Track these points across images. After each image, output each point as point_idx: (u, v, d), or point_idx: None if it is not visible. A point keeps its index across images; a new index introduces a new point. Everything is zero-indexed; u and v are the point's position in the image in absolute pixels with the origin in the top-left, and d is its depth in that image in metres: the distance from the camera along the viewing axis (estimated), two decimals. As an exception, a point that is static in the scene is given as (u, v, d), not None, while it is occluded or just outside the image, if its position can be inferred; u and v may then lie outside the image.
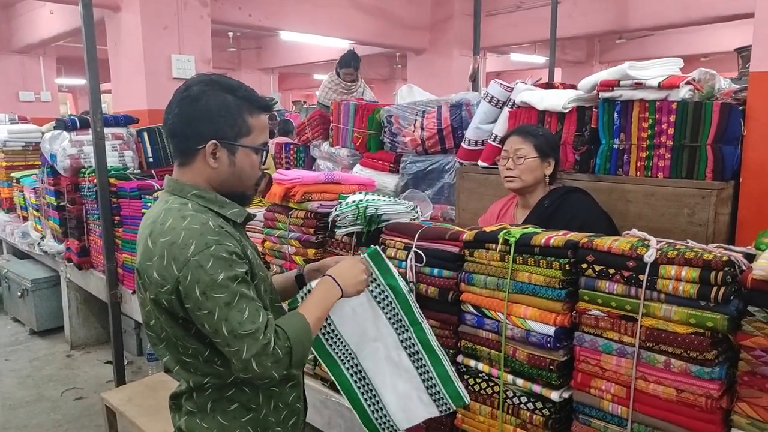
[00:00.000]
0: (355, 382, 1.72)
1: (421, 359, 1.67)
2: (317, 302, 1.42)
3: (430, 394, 1.68)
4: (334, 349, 1.70)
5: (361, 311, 1.67)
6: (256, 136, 1.37)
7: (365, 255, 1.65)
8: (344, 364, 1.70)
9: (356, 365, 1.71)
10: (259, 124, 1.37)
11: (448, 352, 1.83)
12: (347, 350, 1.70)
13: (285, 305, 1.59)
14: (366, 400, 1.73)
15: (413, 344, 1.67)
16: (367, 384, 1.72)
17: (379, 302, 1.67)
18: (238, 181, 1.38)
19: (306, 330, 1.32)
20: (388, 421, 1.72)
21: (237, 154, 1.35)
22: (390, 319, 1.68)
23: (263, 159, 1.41)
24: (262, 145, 1.39)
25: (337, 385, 1.73)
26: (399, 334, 1.68)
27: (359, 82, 5.16)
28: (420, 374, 1.68)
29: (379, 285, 1.66)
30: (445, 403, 1.67)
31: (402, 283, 1.66)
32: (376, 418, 1.73)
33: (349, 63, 5.07)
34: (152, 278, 1.26)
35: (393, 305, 1.66)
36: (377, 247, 1.70)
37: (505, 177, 2.27)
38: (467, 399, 1.67)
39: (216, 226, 1.28)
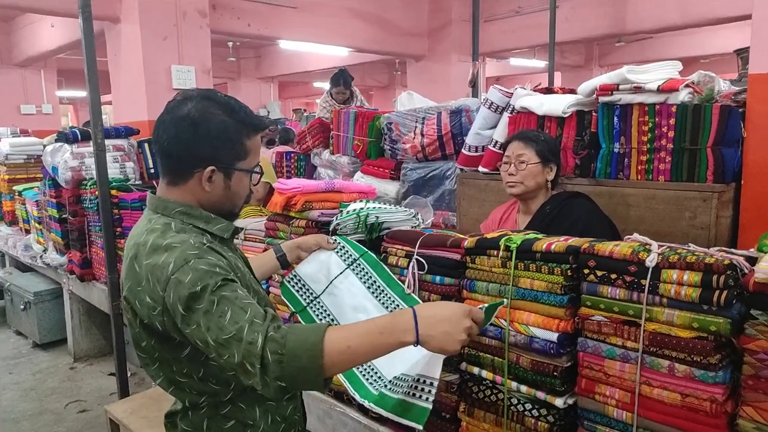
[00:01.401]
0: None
1: None
2: (366, 333, 1.14)
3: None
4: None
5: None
6: (252, 159, 1.35)
7: (485, 306, 1.31)
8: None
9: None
10: (254, 146, 1.35)
11: (451, 360, 1.82)
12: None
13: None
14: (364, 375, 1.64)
15: None
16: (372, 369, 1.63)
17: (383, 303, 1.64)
18: (229, 202, 1.36)
19: (312, 350, 1.08)
20: (377, 374, 1.62)
21: (233, 178, 1.33)
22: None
23: (256, 180, 1.39)
24: (256, 166, 1.37)
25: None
26: None
27: (353, 101, 5.19)
28: None
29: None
30: None
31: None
32: (366, 378, 1.63)
33: (338, 82, 5.11)
34: (143, 302, 1.22)
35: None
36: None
37: (507, 182, 2.27)
38: None
39: (197, 243, 1.24)
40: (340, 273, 1.70)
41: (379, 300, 1.70)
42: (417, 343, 1.14)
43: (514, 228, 2.28)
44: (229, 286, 1.17)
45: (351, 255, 1.77)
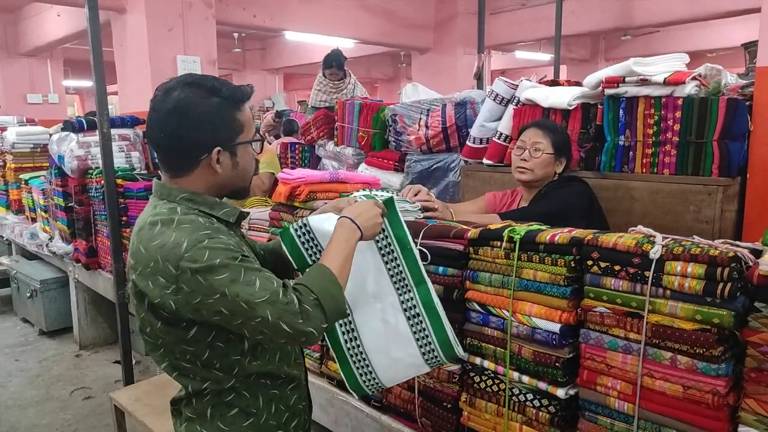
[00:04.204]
0: (345, 342, 1.61)
1: (421, 323, 1.58)
2: (337, 247, 1.36)
3: (423, 353, 1.59)
4: None
5: (363, 263, 1.54)
6: (248, 129, 1.36)
7: (380, 200, 1.54)
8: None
9: (350, 323, 1.59)
10: (246, 117, 1.36)
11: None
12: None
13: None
14: (354, 362, 1.62)
15: (414, 306, 1.57)
16: (358, 345, 1.61)
17: (383, 255, 1.57)
18: (239, 178, 1.38)
19: (330, 278, 1.28)
20: (374, 378, 1.63)
21: (238, 153, 1.34)
22: (393, 276, 1.58)
23: (259, 148, 1.42)
24: (255, 134, 1.39)
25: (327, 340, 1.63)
26: (400, 295, 1.58)
27: (347, 79, 5.15)
28: (417, 339, 1.58)
29: (386, 237, 1.56)
30: (436, 357, 1.58)
31: (410, 237, 1.57)
32: (361, 375, 1.63)
33: (331, 64, 5.06)
34: (155, 282, 1.23)
35: (398, 261, 1.57)
36: (393, 195, 1.66)
37: (518, 167, 2.27)
38: (460, 352, 1.58)
39: (207, 222, 1.28)
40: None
41: (387, 265, 1.57)
42: (362, 236, 1.41)
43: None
44: (249, 261, 1.24)
45: (386, 236, 1.60)
